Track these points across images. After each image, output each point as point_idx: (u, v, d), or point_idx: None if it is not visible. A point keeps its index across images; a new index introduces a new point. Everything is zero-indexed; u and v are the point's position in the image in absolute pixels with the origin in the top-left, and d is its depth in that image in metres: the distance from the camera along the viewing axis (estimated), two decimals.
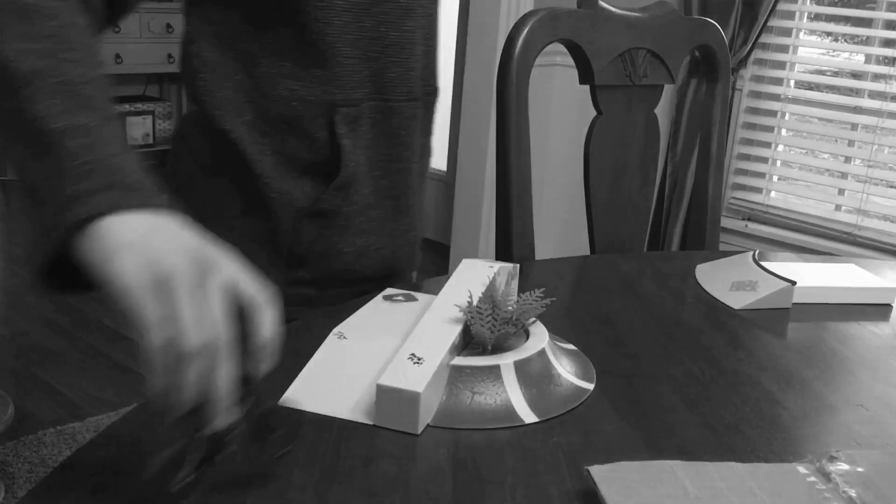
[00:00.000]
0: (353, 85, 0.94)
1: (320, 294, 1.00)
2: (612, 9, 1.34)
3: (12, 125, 0.64)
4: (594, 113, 1.37)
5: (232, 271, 0.58)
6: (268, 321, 0.57)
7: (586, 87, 1.36)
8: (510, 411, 0.73)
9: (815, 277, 1.13)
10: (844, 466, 0.65)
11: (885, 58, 2.70)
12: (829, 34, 2.92)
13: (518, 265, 0.99)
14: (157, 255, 0.56)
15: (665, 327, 0.98)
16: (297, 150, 0.94)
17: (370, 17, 0.93)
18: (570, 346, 0.87)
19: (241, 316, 0.57)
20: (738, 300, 1.07)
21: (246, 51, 0.92)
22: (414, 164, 1.04)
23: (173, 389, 0.54)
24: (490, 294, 0.85)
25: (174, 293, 0.54)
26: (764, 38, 2.86)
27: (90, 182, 0.59)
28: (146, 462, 0.56)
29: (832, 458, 0.66)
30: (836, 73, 2.88)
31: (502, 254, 1.26)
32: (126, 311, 0.54)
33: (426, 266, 3.66)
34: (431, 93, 1.05)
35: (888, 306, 1.11)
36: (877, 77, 2.72)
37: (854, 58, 2.85)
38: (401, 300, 0.95)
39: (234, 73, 0.93)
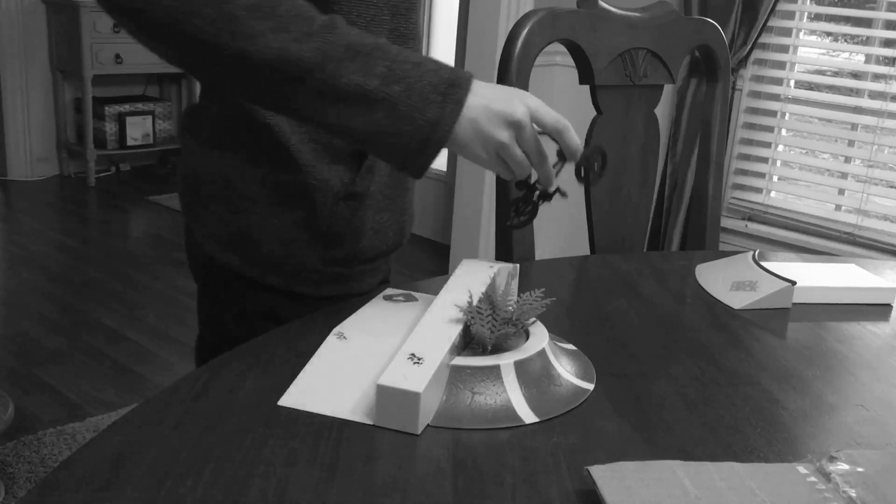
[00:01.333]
0: None
1: (349, 272, 1.04)
2: (612, 9, 1.34)
3: (322, 98, 0.80)
4: (594, 113, 1.37)
5: (530, 108, 0.86)
6: (571, 134, 0.89)
7: (586, 87, 1.36)
8: (510, 411, 0.73)
9: (815, 277, 1.13)
10: (844, 466, 0.65)
11: (885, 58, 2.70)
12: (829, 34, 2.92)
13: (518, 265, 0.99)
14: (486, 136, 0.85)
15: (665, 327, 0.98)
16: (330, 138, 0.97)
17: (388, 10, 0.97)
18: (570, 346, 0.87)
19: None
20: (738, 300, 1.07)
21: None
22: None
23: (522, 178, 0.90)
24: (490, 294, 0.85)
25: (510, 156, 0.86)
26: (764, 38, 2.86)
27: (432, 108, 0.82)
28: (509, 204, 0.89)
29: (832, 458, 0.66)
30: (836, 73, 2.88)
31: (502, 254, 1.26)
32: (490, 169, 0.88)
33: (426, 266, 3.66)
34: None
35: (888, 306, 1.11)
36: (877, 77, 2.73)
37: (854, 58, 2.85)
38: (401, 300, 0.95)
39: None
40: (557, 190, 0.94)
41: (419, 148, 0.83)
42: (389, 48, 0.83)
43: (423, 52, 1.07)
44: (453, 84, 0.84)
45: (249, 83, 0.82)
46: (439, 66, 0.85)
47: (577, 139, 0.89)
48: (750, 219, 3.01)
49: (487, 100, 0.85)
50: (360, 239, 1.03)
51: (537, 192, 0.94)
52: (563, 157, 0.91)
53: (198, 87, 5.23)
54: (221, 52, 0.78)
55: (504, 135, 0.85)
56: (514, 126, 0.85)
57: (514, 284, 0.98)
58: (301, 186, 0.98)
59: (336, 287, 1.03)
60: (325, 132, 0.93)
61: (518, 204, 0.96)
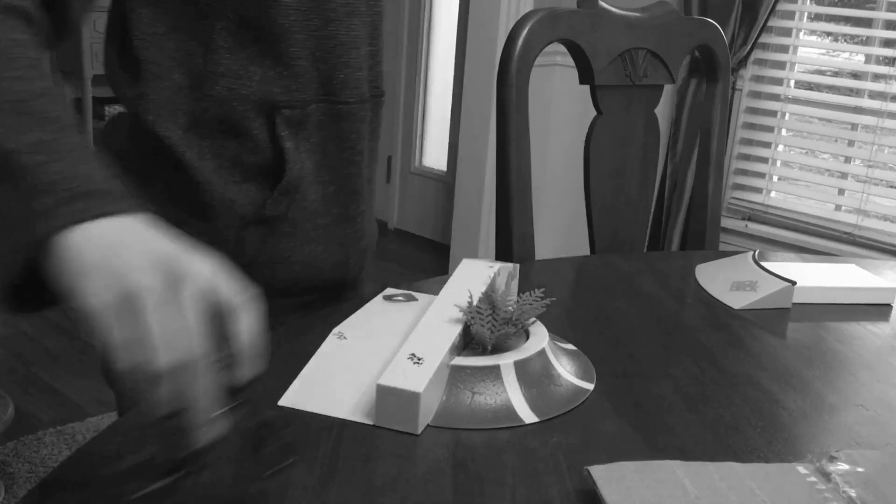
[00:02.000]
0: (299, 86, 0.89)
1: (266, 305, 0.89)
2: (612, 9, 1.34)
3: None
4: (594, 113, 1.37)
5: (207, 275, 0.54)
6: (246, 324, 0.54)
7: (586, 87, 1.36)
8: (510, 411, 0.73)
9: (815, 277, 1.13)
10: (844, 466, 0.65)
11: (885, 58, 2.70)
12: (829, 34, 2.92)
13: (518, 265, 0.99)
14: (121, 271, 0.52)
15: (665, 327, 0.98)
16: (238, 153, 0.89)
17: (318, 15, 0.88)
18: (570, 346, 0.87)
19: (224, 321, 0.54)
20: (738, 300, 1.07)
21: (183, 47, 0.86)
22: (364, 169, 0.99)
23: (146, 406, 0.51)
24: (490, 294, 0.85)
25: (140, 313, 0.51)
26: (764, 38, 2.86)
27: (50, 197, 0.56)
28: (110, 463, 0.54)
29: (832, 458, 0.66)
30: (836, 74, 2.88)
31: (502, 254, 1.26)
32: (93, 333, 0.51)
33: (426, 266, 3.66)
34: (378, 95, 1.01)
35: (888, 306, 1.11)
36: (877, 77, 2.72)
37: (854, 58, 2.85)
38: (401, 300, 0.95)
39: (170, 72, 0.87)
40: (196, 457, 0.54)
41: (7, 233, 0.58)
42: (71, 134, 0.62)
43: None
44: (103, 194, 0.58)
45: None
46: (109, 176, 0.60)
47: (246, 334, 0.55)
48: (750, 219, 3.01)
49: (158, 234, 0.56)
50: (279, 270, 0.92)
51: (178, 441, 0.52)
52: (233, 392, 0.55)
53: None
54: None
55: (145, 277, 0.52)
56: (172, 276, 0.53)
57: (514, 284, 0.98)
58: (199, 207, 0.87)
59: None
60: None
61: (139, 465, 0.57)
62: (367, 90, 0.97)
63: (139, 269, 0.52)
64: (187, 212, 0.88)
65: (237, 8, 0.84)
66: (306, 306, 0.97)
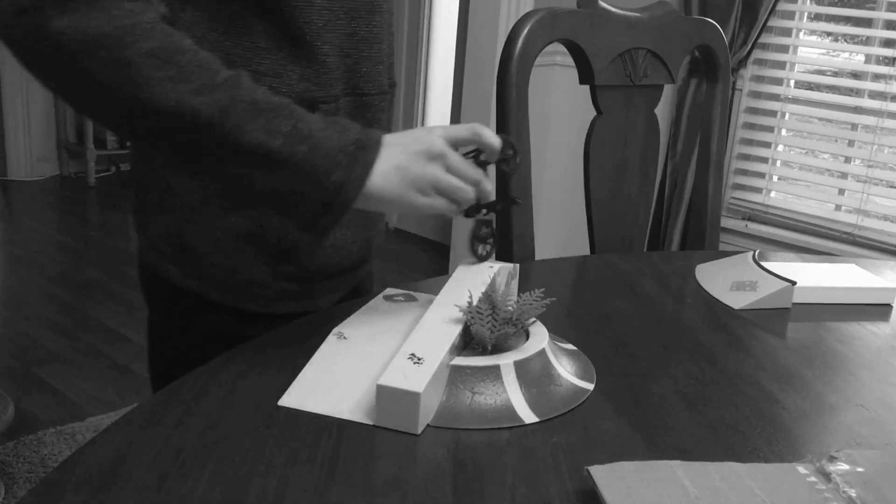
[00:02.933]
0: (331, 81, 0.93)
1: (303, 289, 0.98)
2: (612, 9, 1.34)
3: (222, 154, 0.77)
4: (594, 113, 1.37)
5: (442, 135, 0.84)
6: (488, 132, 0.87)
7: (586, 87, 1.36)
8: (510, 411, 0.73)
9: (815, 277, 1.13)
10: (844, 466, 0.65)
11: (885, 58, 2.70)
12: (829, 34, 2.92)
13: (518, 265, 0.99)
14: (416, 177, 0.82)
15: (665, 327, 0.98)
16: None
17: (344, 14, 0.93)
18: (570, 346, 0.87)
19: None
20: (738, 300, 1.07)
21: (223, 47, 0.88)
22: None
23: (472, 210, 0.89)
24: (490, 294, 0.85)
25: (446, 187, 0.83)
26: (764, 38, 2.86)
27: (338, 170, 0.78)
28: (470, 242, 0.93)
29: (832, 458, 0.66)
30: (836, 74, 2.87)
31: (502, 254, 1.26)
32: (432, 213, 0.85)
33: (426, 266, 3.66)
34: (393, 85, 1.06)
35: (888, 306, 1.11)
36: (877, 77, 2.72)
37: (854, 58, 2.85)
38: (401, 300, 0.95)
39: None
40: (510, 199, 0.97)
41: (322, 210, 0.80)
42: (295, 108, 0.79)
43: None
44: (362, 145, 0.80)
45: (143, 129, 0.77)
46: (347, 126, 0.81)
47: (493, 136, 0.87)
48: (750, 219, 3.01)
49: (402, 145, 0.82)
50: (316, 255, 0.97)
51: (489, 212, 0.91)
52: (481, 163, 0.89)
53: None
54: (114, 96, 0.74)
55: (433, 168, 0.83)
56: (438, 157, 0.83)
57: (514, 284, 0.98)
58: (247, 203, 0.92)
59: (288, 304, 0.97)
60: (223, 185, 0.88)
61: (480, 230, 0.94)
62: (385, 82, 1.02)
63: (424, 168, 0.82)
64: (235, 201, 0.93)
65: (274, 10, 0.88)
66: (337, 288, 1.02)
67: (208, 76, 0.75)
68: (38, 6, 0.71)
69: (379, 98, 1.00)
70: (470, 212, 0.89)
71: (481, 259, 0.94)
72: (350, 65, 0.95)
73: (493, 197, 0.89)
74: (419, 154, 0.82)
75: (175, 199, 0.92)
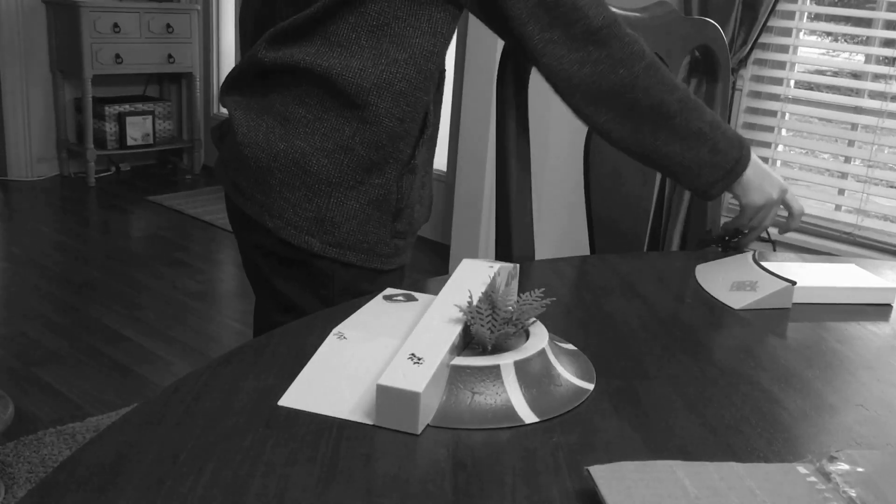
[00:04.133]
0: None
1: (407, 243, 1.17)
2: (612, 9, 1.33)
3: (677, 135, 1.11)
4: None
5: (786, 193, 1.22)
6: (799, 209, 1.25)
7: None
8: (510, 411, 0.73)
9: (815, 277, 1.13)
10: (844, 466, 0.65)
11: (885, 58, 2.70)
12: (829, 34, 2.92)
13: (518, 265, 0.99)
14: (768, 192, 1.19)
15: (665, 327, 0.98)
16: (406, 113, 1.10)
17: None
18: (570, 346, 0.87)
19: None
20: (738, 300, 1.07)
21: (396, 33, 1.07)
22: None
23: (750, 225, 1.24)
24: (490, 294, 0.85)
25: (767, 211, 1.21)
26: (764, 38, 2.86)
27: (735, 150, 1.15)
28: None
29: (832, 458, 0.66)
30: (836, 73, 2.88)
31: (502, 254, 1.26)
32: (755, 208, 1.20)
33: (426, 266, 3.66)
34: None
35: (888, 306, 1.11)
36: (877, 77, 2.73)
37: (854, 58, 2.85)
38: (401, 300, 0.95)
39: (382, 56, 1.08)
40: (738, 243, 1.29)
41: (723, 176, 1.14)
42: (706, 108, 1.13)
43: None
44: (742, 140, 1.16)
45: (636, 122, 1.08)
46: (729, 130, 1.15)
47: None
48: None
49: (765, 168, 1.20)
50: (414, 211, 1.16)
51: (735, 240, 1.28)
52: (731, 243, 1.28)
53: (198, 86, 5.21)
54: (638, 104, 1.08)
55: (774, 196, 1.19)
56: (780, 192, 1.20)
57: (514, 284, 0.98)
58: (378, 164, 1.09)
59: (397, 259, 1.16)
60: (646, 158, 1.14)
61: (726, 238, 1.29)
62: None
63: (773, 189, 1.20)
64: (371, 167, 1.09)
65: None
66: (414, 244, 1.22)
67: (670, 79, 1.09)
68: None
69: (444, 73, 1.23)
70: (732, 230, 1.28)
71: (724, 247, 1.30)
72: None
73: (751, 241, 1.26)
74: (775, 182, 1.21)
75: (310, 177, 1.07)
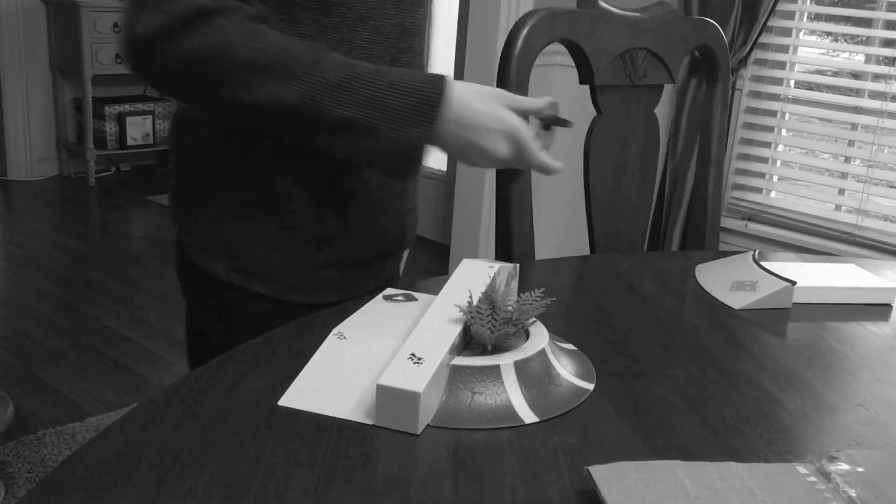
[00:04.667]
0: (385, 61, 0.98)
1: (344, 275, 1.04)
2: (612, 9, 1.33)
3: (312, 129, 0.88)
4: (594, 113, 1.37)
5: (521, 107, 0.93)
6: (538, 102, 0.96)
7: (586, 87, 1.36)
8: (510, 411, 0.73)
9: (815, 277, 1.13)
10: (844, 466, 0.65)
11: (885, 58, 2.70)
12: (829, 34, 2.92)
13: (518, 265, 0.99)
14: (489, 152, 0.91)
15: (665, 327, 0.98)
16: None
17: (393, 5, 0.97)
18: (570, 346, 0.87)
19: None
20: (738, 300, 1.07)
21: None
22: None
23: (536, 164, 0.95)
24: (490, 294, 0.85)
25: (524, 148, 0.92)
26: (764, 38, 2.86)
27: (411, 128, 0.87)
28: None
29: (832, 458, 0.66)
30: (836, 74, 2.88)
31: (502, 254, 1.26)
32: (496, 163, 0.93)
33: (426, 266, 3.66)
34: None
35: (888, 306, 1.11)
36: (877, 77, 2.73)
37: (854, 58, 2.85)
38: (401, 300, 0.95)
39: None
40: (561, 120, 1.03)
41: (400, 162, 0.93)
42: (368, 72, 0.88)
43: (424, 53, 1.07)
44: (429, 103, 0.88)
45: (246, 117, 0.91)
46: (415, 82, 0.88)
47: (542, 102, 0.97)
48: (750, 219, 3.01)
49: (479, 116, 0.89)
50: (353, 240, 1.02)
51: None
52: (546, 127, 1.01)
53: None
54: (220, 98, 0.87)
55: (504, 150, 0.91)
56: (513, 140, 0.91)
57: (514, 284, 0.98)
58: (286, 188, 0.97)
59: (331, 293, 1.03)
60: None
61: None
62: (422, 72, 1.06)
63: (498, 142, 0.90)
64: (276, 192, 0.98)
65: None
66: (374, 274, 1.08)
67: (291, 68, 0.86)
68: (151, 38, 0.85)
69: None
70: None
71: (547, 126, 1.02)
72: (393, 54, 0.99)
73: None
74: (493, 132, 0.90)
75: (217, 198, 0.98)
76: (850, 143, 2.82)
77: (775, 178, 2.98)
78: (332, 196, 0.99)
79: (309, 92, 0.86)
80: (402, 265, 1.22)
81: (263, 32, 0.87)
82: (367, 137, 0.88)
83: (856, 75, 2.82)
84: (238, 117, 0.93)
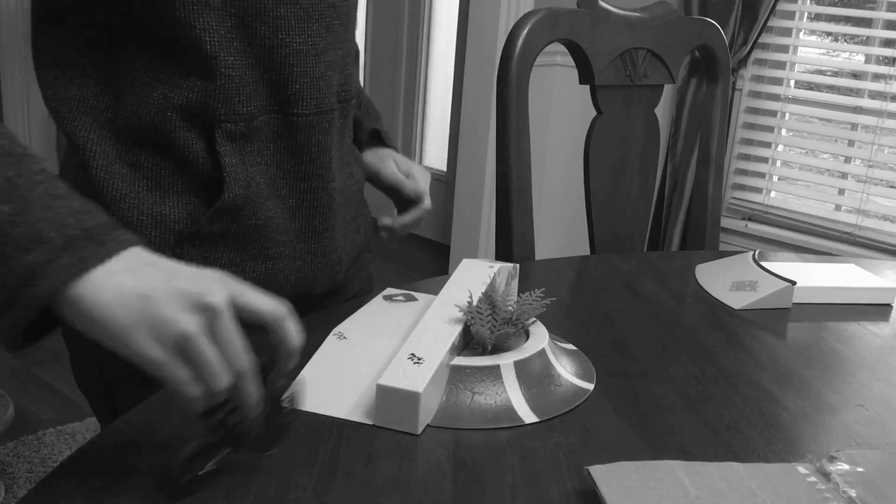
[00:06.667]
0: (243, 98, 0.83)
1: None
2: (612, 9, 1.34)
3: None
4: (594, 113, 1.37)
5: (232, 293, 0.59)
6: (292, 329, 0.61)
7: (586, 87, 1.36)
8: (510, 411, 0.73)
9: (815, 277, 1.13)
10: (844, 466, 0.65)
11: (885, 58, 2.70)
12: (829, 34, 2.91)
13: (518, 265, 0.99)
14: (165, 321, 0.56)
15: (665, 327, 0.98)
16: (175, 166, 0.84)
17: (264, 24, 0.82)
18: (570, 346, 0.87)
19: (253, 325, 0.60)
20: (738, 300, 1.07)
21: (113, 52, 0.82)
22: (332, 182, 0.92)
23: (206, 411, 0.60)
24: (490, 294, 0.85)
25: (198, 352, 0.56)
26: (764, 38, 2.86)
27: (40, 250, 0.56)
28: (177, 452, 0.60)
29: (832, 458, 0.66)
30: (836, 73, 2.87)
31: (502, 254, 1.26)
32: (158, 377, 0.57)
33: (426, 266, 3.66)
34: (347, 100, 0.94)
35: (888, 306, 1.11)
36: (877, 77, 2.72)
37: (854, 58, 2.85)
38: (401, 300, 0.95)
39: (96, 73, 0.84)
40: (276, 425, 0.67)
41: (4, 301, 0.56)
42: (27, 166, 0.61)
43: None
44: (93, 237, 0.59)
45: None
46: (94, 213, 0.61)
47: (295, 337, 0.61)
48: (750, 219, 3.01)
49: (166, 273, 0.59)
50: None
51: (231, 427, 0.61)
52: (269, 366, 0.63)
53: None
54: None
55: (189, 321, 0.56)
56: (207, 311, 0.57)
57: (514, 284, 0.98)
58: (128, 223, 0.82)
59: None
60: None
61: (201, 449, 0.60)
62: (334, 99, 0.90)
63: (179, 314, 0.56)
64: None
65: (167, 18, 0.79)
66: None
67: None
68: None
69: (320, 118, 0.88)
70: (208, 413, 0.60)
71: (179, 486, 0.60)
72: (276, 81, 0.84)
73: (253, 406, 0.60)
74: (183, 294, 0.57)
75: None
76: (850, 143, 2.82)
77: (775, 178, 2.97)
78: (187, 235, 0.84)
79: None
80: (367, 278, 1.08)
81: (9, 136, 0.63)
82: None
83: (856, 75, 2.82)
84: None
